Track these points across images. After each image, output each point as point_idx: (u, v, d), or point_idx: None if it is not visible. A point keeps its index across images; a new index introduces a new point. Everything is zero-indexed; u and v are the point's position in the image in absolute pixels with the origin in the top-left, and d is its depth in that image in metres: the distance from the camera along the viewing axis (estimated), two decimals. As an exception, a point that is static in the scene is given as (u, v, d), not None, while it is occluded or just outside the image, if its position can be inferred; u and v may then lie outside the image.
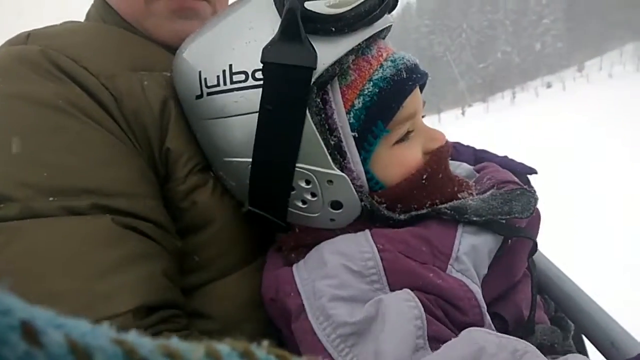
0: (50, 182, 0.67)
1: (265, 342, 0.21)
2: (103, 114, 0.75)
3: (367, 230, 0.75)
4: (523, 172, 1.06)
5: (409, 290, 0.68)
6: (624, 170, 9.78)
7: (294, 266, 0.78)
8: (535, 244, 0.82)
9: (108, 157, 0.73)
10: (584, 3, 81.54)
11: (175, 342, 0.18)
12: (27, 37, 0.80)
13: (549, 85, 55.25)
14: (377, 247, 0.71)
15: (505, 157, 1.13)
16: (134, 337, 0.17)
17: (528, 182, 1.04)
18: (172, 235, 0.78)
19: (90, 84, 0.75)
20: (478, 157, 1.14)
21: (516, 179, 0.88)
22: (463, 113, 49.74)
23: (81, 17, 1.01)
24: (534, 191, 0.82)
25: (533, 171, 1.08)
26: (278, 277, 0.79)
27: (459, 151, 1.15)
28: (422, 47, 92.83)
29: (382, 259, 0.70)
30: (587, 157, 12.19)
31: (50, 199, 0.66)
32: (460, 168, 0.97)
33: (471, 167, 0.96)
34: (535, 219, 0.85)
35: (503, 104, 51.02)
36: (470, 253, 0.74)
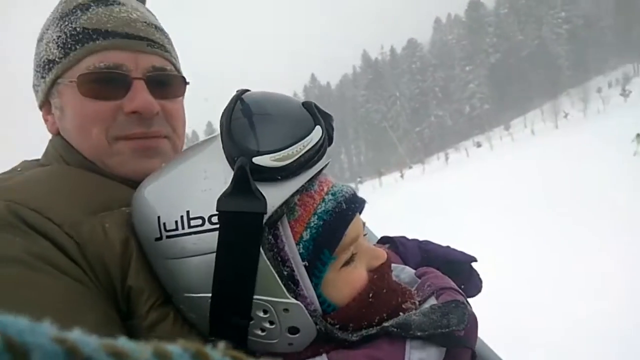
0: None
1: (222, 344, 0.21)
2: (68, 262, 0.78)
3: (324, 355, 0.81)
4: (465, 260, 1.19)
5: None
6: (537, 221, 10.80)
7: None
8: (474, 352, 0.90)
9: (74, 305, 0.75)
10: (503, 67, 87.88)
11: (122, 342, 0.18)
12: None
13: (478, 145, 57.95)
14: None
15: (448, 247, 1.24)
16: (77, 335, 0.17)
17: (471, 268, 1.19)
18: None
19: (54, 234, 0.79)
20: (422, 248, 1.23)
21: (453, 284, 0.95)
22: (402, 176, 50.92)
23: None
24: (467, 303, 0.90)
25: (473, 259, 1.20)
26: None
27: (405, 245, 1.24)
28: (360, 115, 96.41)
29: None
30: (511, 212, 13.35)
31: None
32: (403, 273, 1.05)
33: (413, 272, 1.04)
34: (472, 325, 0.90)
35: (438, 165, 52.84)
36: None
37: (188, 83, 1.12)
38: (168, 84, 1.05)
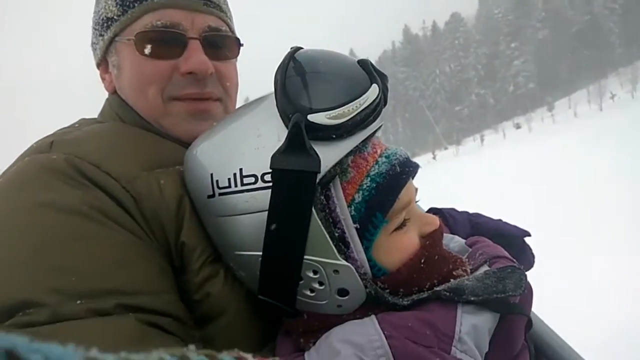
0: (77, 287, 0.71)
1: (193, 346, 0.24)
2: (125, 215, 0.81)
3: (373, 317, 0.80)
4: (517, 234, 1.14)
5: None
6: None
7: (306, 354, 0.82)
8: (530, 319, 0.88)
9: (130, 257, 0.78)
10: (552, 45, 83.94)
11: (132, 354, 0.21)
12: (50, 145, 0.87)
13: (517, 127, 55.90)
14: (384, 334, 0.75)
15: (500, 220, 1.20)
16: (98, 353, 0.21)
17: (524, 243, 1.14)
18: (190, 327, 0.82)
19: (112, 188, 0.81)
20: (473, 221, 1.20)
21: (506, 254, 0.93)
22: (434, 157, 49.89)
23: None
24: (530, 263, 0.88)
25: (527, 233, 1.15)
26: None
27: (455, 217, 1.21)
28: (398, 93, 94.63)
29: (390, 347, 0.74)
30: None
31: (78, 302, 0.69)
32: (453, 242, 1.03)
33: (463, 242, 1.02)
34: (528, 293, 0.89)
35: (473, 147, 51.39)
36: (471, 333, 0.78)
37: (242, 45, 1.12)
38: (222, 45, 1.06)
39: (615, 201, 10.38)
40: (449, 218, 1.19)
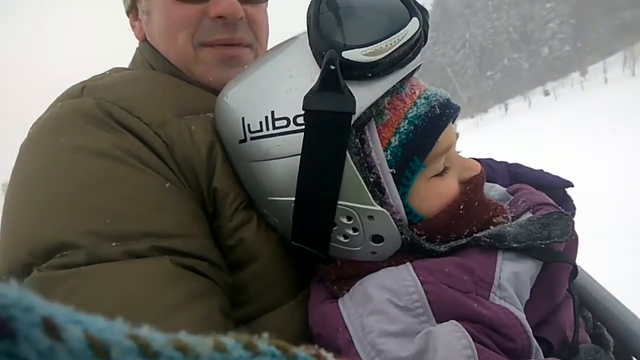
0: (112, 229, 0.71)
1: (266, 334, 0.24)
2: (157, 160, 0.80)
3: (408, 263, 0.78)
4: (559, 185, 1.09)
5: (455, 322, 0.69)
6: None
7: (340, 301, 0.80)
8: (575, 267, 0.84)
9: (164, 201, 0.77)
10: (590, 4, 79.58)
11: (185, 336, 0.20)
12: (81, 90, 0.87)
13: (546, 94, 53.66)
14: (420, 280, 0.73)
15: (541, 170, 1.15)
16: (147, 332, 0.18)
17: (565, 194, 1.08)
18: (224, 271, 0.82)
19: (143, 132, 0.81)
20: (512, 172, 1.16)
21: (551, 201, 0.90)
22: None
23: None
24: (571, 214, 0.83)
25: (569, 184, 1.10)
26: (325, 313, 0.81)
27: (493, 168, 1.17)
28: (426, 59, 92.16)
29: (426, 292, 0.72)
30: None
31: (114, 244, 0.70)
32: (493, 190, 1.00)
33: (504, 190, 0.99)
34: (573, 241, 0.86)
35: (496, 116, 49.79)
36: (512, 280, 0.75)
37: None
38: None
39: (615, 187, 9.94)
40: (486, 167, 1.13)
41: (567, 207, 1.05)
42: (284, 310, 0.87)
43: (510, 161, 1.23)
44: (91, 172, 0.75)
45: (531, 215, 0.84)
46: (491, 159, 1.21)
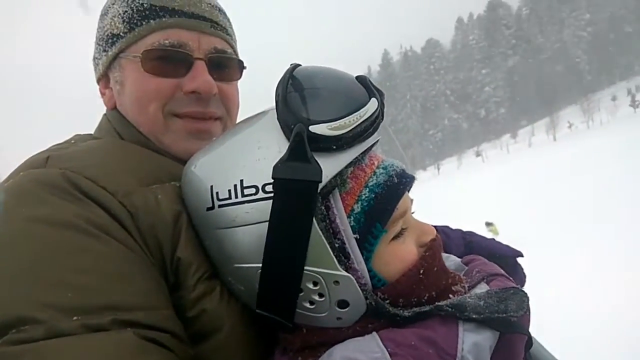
0: (73, 302, 0.69)
1: None
2: (121, 230, 0.80)
3: (374, 334, 0.79)
4: (510, 254, 1.17)
5: None
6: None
7: None
8: (530, 338, 0.88)
9: (126, 272, 0.76)
10: (521, 70, 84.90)
11: None
12: (46, 160, 0.86)
13: (478, 154, 55.92)
14: (388, 352, 0.75)
15: (493, 239, 1.23)
16: None
17: (516, 263, 1.17)
18: (186, 343, 0.80)
19: (108, 202, 0.81)
20: (466, 239, 1.22)
21: (503, 272, 0.95)
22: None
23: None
24: (522, 282, 0.89)
25: (519, 254, 1.18)
26: None
27: (448, 235, 1.23)
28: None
29: None
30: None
31: (74, 318, 0.68)
32: (449, 260, 1.03)
33: (459, 260, 1.04)
34: (526, 313, 0.89)
35: (429, 175, 51.44)
36: (472, 351, 0.78)
37: (245, 68, 1.14)
38: (227, 66, 1.08)
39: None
40: (442, 235, 1.18)
41: (518, 275, 1.13)
42: None
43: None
44: (52, 243, 0.74)
45: (485, 285, 0.88)
46: (447, 227, 1.26)
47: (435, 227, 1.19)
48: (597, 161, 20.81)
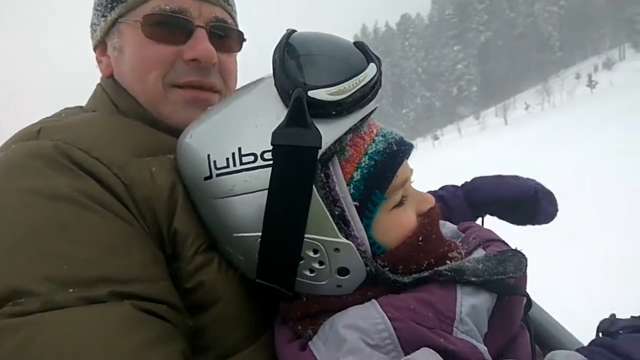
0: (69, 275, 0.68)
1: None
2: (115, 202, 0.78)
3: (374, 300, 0.80)
4: (519, 195, 1.25)
5: (427, 348, 0.73)
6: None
7: (311, 346, 0.81)
8: (529, 299, 0.89)
9: (122, 244, 0.75)
10: (493, 47, 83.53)
11: None
12: (38, 132, 0.84)
13: (435, 138, 55.36)
14: (388, 317, 0.76)
15: (498, 177, 1.32)
16: None
17: (536, 198, 1.24)
18: (184, 315, 0.80)
19: (102, 174, 0.79)
20: (470, 199, 1.32)
21: (499, 237, 0.97)
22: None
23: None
24: (523, 253, 0.90)
25: (531, 191, 1.25)
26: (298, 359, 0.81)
27: (450, 205, 1.31)
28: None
29: (394, 329, 0.75)
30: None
31: (70, 290, 0.67)
32: (445, 228, 1.05)
33: (455, 227, 1.06)
34: (523, 277, 0.91)
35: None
36: (471, 313, 0.79)
37: (245, 40, 1.12)
38: (227, 36, 1.06)
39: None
40: (444, 207, 1.26)
41: (542, 208, 1.23)
42: (245, 356, 0.85)
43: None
44: (47, 216, 0.72)
45: (482, 250, 0.90)
46: (448, 188, 1.35)
47: (435, 191, 1.29)
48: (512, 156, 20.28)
